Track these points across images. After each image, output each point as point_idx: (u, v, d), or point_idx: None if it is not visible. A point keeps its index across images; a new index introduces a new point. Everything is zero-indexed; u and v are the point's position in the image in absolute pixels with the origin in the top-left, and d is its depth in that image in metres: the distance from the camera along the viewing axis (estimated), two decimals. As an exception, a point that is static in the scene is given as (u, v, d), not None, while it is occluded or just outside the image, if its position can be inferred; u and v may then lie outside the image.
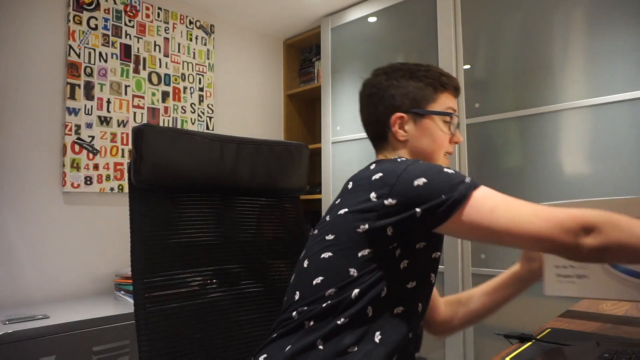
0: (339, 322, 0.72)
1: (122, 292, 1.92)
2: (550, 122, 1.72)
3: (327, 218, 0.82)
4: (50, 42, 1.96)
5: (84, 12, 2.05)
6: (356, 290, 0.73)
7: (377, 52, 2.33)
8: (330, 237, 0.80)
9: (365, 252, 0.76)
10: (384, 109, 0.90)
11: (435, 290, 1.02)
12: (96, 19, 2.08)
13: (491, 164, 1.88)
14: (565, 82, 1.70)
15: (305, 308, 0.76)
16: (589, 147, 1.63)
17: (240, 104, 2.73)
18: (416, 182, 0.73)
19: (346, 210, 0.79)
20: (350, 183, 0.83)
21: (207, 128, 2.50)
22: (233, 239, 1.02)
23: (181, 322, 0.88)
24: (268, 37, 2.94)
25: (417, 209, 0.71)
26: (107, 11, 2.12)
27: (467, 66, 1.98)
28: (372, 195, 0.76)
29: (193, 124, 2.44)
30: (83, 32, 2.04)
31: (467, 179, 0.73)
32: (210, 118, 2.52)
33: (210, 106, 2.53)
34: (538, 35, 1.78)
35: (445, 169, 0.75)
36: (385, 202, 0.74)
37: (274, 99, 2.95)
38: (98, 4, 2.09)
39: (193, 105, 2.45)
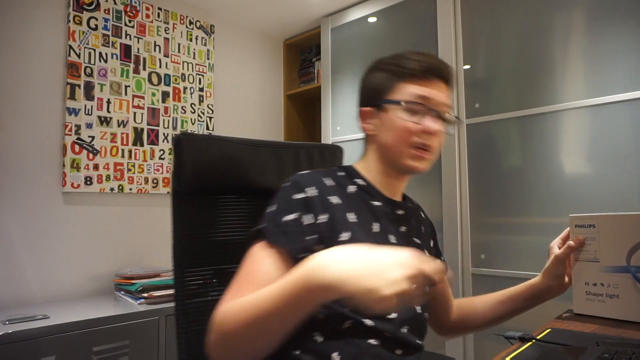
0: (296, 353, 0.71)
1: (122, 292, 1.92)
2: (550, 122, 1.72)
3: None
4: (50, 42, 1.96)
5: (84, 12, 2.05)
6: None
7: (377, 52, 2.32)
8: None
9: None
10: (358, 105, 0.90)
11: (449, 292, 1.00)
12: (96, 19, 2.08)
13: (491, 164, 1.88)
14: (565, 82, 1.70)
15: None
16: (589, 147, 1.63)
17: (240, 104, 2.73)
18: (269, 209, 0.77)
19: None
20: None
21: (207, 128, 2.50)
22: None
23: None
24: (268, 37, 2.94)
25: None
26: (107, 11, 2.12)
27: (467, 66, 1.98)
28: None
29: (193, 124, 2.44)
30: (83, 32, 2.04)
31: (267, 227, 0.74)
32: (210, 118, 2.52)
33: (210, 106, 2.53)
34: (538, 35, 1.78)
35: (273, 205, 0.76)
36: None
37: (274, 99, 2.95)
38: (98, 4, 2.09)
39: (193, 105, 2.45)
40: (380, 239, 0.80)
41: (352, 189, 0.83)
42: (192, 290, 0.89)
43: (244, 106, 2.75)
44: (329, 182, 0.81)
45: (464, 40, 1.99)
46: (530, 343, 0.74)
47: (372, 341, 0.73)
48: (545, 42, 1.76)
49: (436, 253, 0.99)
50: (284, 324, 0.62)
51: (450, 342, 1.92)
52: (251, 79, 2.82)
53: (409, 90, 0.81)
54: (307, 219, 0.74)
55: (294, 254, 0.71)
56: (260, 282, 0.68)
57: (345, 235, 0.75)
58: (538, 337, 0.76)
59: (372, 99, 0.85)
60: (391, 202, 0.86)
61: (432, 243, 0.98)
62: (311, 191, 0.77)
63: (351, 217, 0.79)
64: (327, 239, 0.74)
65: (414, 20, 2.18)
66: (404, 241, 0.84)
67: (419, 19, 2.16)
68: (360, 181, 0.86)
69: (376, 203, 0.84)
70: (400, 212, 0.87)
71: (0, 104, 1.81)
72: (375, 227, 0.81)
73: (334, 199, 0.79)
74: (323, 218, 0.75)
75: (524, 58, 1.81)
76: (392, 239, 0.83)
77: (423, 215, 0.99)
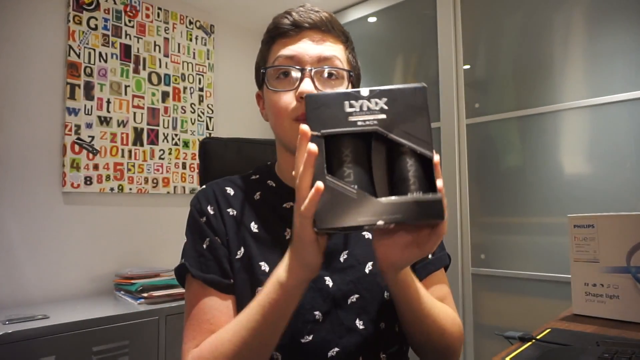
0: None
1: (122, 292, 1.92)
2: (550, 122, 1.72)
3: None
4: (50, 42, 1.96)
5: (84, 12, 2.05)
6: None
7: (377, 52, 2.33)
8: None
9: None
10: None
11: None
12: (96, 19, 2.08)
13: (491, 164, 1.88)
14: (565, 82, 1.70)
15: None
16: (589, 147, 1.63)
17: (240, 104, 2.73)
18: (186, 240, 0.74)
19: None
20: None
21: (207, 128, 2.50)
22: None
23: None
24: (268, 37, 2.94)
25: None
26: (107, 11, 2.12)
27: (467, 66, 1.98)
28: None
29: (193, 124, 2.44)
30: (83, 32, 2.04)
31: (182, 260, 0.71)
32: (210, 118, 2.52)
33: (210, 106, 2.53)
34: (538, 35, 1.78)
35: (196, 235, 0.72)
36: None
37: (274, 99, 2.94)
38: (98, 4, 2.09)
39: (193, 105, 2.44)
40: None
41: (257, 195, 0.76)
42: None
43: (244, 106, 2.74)
44: (232, 191, 0.75)
45: (464, 40, 1.99)
46: (530, 343, 0.74)
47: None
48: (545, 42, 1.76)
49: None
50: (279, 328, 0.61)
51: (450, 342, 1.92)
52: (251, 79, 2.79)
53: (277, 54, 0.71)
54: (217, 241, 0.71)
55: (224, 281, 0.69)
56: (211, 318, 0.67)
57: (239, 253, 0.71)
58: (538, 337, 0.76)
59: (256, 76, 0.76)
60: None
61: None
62: (210, 209, 0.73)
63: (253, 227, 0.73)
64: (231, 258, 0.71)
65: (414, 20, 2.18)
66: None
67: (419, 19, 2.16)
68: (271, 182, 0.78)
69: (288, 205, 0.75)
70: None
71: (0, 104, 1.81)
72: (288, 234, 0.73)
73: (232, 212, 0.73)
74: (225, 236, 0.72)
75: (524, 58, 1.81)
76: None
77: None
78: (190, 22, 2.47)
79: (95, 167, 2.03)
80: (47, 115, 1.93)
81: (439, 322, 0.68)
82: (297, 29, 0.70)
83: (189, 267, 0.69)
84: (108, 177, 2.07)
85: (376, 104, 0.51)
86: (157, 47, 2.31)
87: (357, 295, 0.71)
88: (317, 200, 0.48)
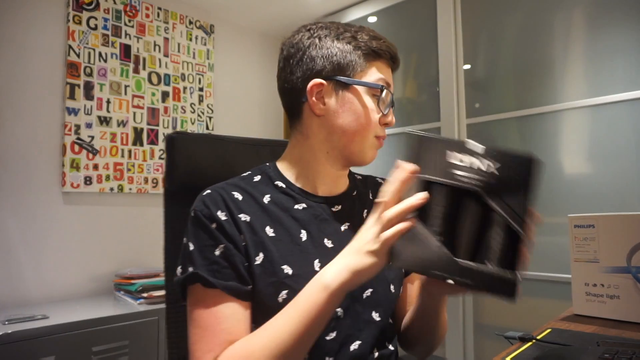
0: None
1: (121, 292, 1.92)
2: (550, 122, 1.72)
3: None
4: (50, 42, 1.96)
5: (84, 12, 2.04)
6: None
7: (377, 52, 2.32)
8: None
9: None
10: (302, 74, 0.74)
11: (405, 298, 0.86)
12: (96, 19, 2.08)
13: (491, 164, 1.88)
14: (565, 82, 1.70)
15: None
16: (589, 147, 1.63)
17: (240, 104, 2.73)
18: (184, 239, 0.70)
19: None
20: None
21: (207, 128, 2.50)
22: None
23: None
24: (268, 37, 2.94)
25: None
26: (106, 11, 2.12)
27: (467, 66, 1.98)
28: None
29: (193, 124, 2.43)
30: (83, 32, 2.03)
31: (190, 269, 0.66)
32: (210, 118, 2.52)
33: (210, 106, 2.53)
34: (538, 35, 1.78)
35: (206, 242, 0.67)
36: None
37: (274, 99, 2.94)
38: (98, 4, 2.09)
39: (193, 105, 2.44)
40: (311, 247, 0.72)
41: (267, 198, 0.74)
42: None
43: (243, 106, 2.74)
44: (239, 195, 0.72)
45: (464, 40, 1.99)
46: (530, 343, 0.74)
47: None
48: (545, 42, 1.76)
49: None
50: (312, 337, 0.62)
51: (450, 342, 1.92)
52: (251, 78, 2.81)
53: (379, 74, 0.74)
54: (232, 248, 0.68)
55: (244, 287, 0.67)
56: (229, 328, 0.64)
57: (258, 259, 0.69)
58: (538, 337, 0.76)
59: (335, 73, 0.73)
60: (323, 200, 0.77)
61: None
62: (222, 215, 0.69)
63: (269, 231, 0.71)
64: (249, 264, 0.68)
65: (414, 20, 2.18)
66: (346, 240, 0.63)
67: (419, 19, 2.16)
68: (279, 184, 0.76)
69: (300, 207, 0.75)
70: (336, 208, 0.77)
71: (0, 104, 1.81)
72: (304, 235, 0.72)
73: (244, 217, 0.70)
74: (241, 242, 0.69)
75: (524, 58, 1.81)
76: (328, 242, 0.74)
77: (371, 195, 0.85)
78: (190, 22, 2.47)
79: (95, 167, 2.03)
80: (47, 115, 1.93)
81: (445, 324, 0.78)
82: (394, 64, 0.79)
83: (203, 275, 0.65)
84: (108, 177, 2.07)
85: (488, 166, 0.51)
86: (157, 47, 2.30)
87: (371, 289, 0.74)
88: (402, 234, 0.53)
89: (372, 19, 2.37)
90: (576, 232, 0.93)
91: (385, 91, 0.74)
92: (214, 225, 0.68)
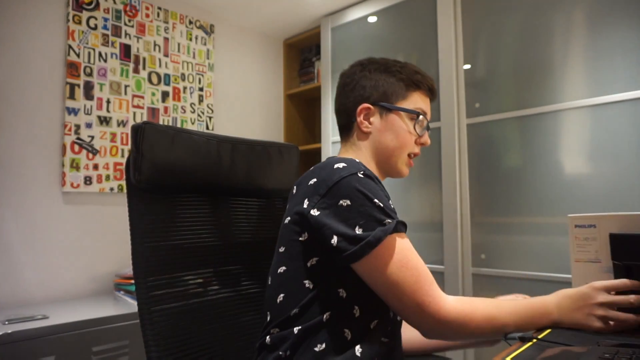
0: (316, 350, 0.70)
1: (121, 292, 1.92)
2: (550, 122, 1.72)
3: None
4: (50, 41, 1.96)
5: (84, 11, 2.04)
6: (325, 314, 0.71)
7: (377, 52, 2.33)
8: (282, 249, 0.78)
9: (314, 260, 0.73)
10: (353, 99, 0.91)
11: None
12: (96, 19, 2.08)
13: (491, 164, 1.88)
14: (565, 82, 1.70)
15: (277, 331, 0.74)
16: (589, 147, 1.63)
17: (240, 104, 2.73)
18: (341, 202, 0.70)
19: (288, 219, 0.77)
20: (295, 188, 0.80)
21: (207, 128, 2.50)
22: (231, 240, 1.01)
23: (184, 322, 0.88)
24: (268, 37, 2.94)
25: (334, 236, 0.69)
26: (106, 11, 2.12)
27: (467, 66, 1.98)
28: (305, 202, 0.73)
29: (193, 123, 2.43)
30: (82, 31, 2.03)
31: (389, 221, 0.70)
32: (210, 118, 2.52)
33: (210, 106, 2.53)
34: (538, 35, 1.78)
35: (375, 198, 0.70)
36: (312, 211, 0.71)
37: (274, 99, 2.95)
38: (97, 4, 2.09)
39: (193, 105, 2.44)
40: None
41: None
42: (157, 297, 0.85)
43: (243, 106, 2.75)
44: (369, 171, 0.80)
45: (464, 40, 1.99)
46: (530, 343, 0.74)
47: (384, 339, 0.77)
48: (545, 42, 1.76)
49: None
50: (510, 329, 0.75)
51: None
52: (251, 78, 2.81)
53: (417, 103, 0.90)
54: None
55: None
56: (426, 271, 0.73)
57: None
58: (538, 337, 0.76)
59: (381, 99, 0.89)
60: None
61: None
62: (378, 181, 0.77)
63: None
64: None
65: (414, 20, 2.18)
66: None
67: (419, 19, 2.16)
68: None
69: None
70: None
71: (-1, 103, 1.81)
72: None
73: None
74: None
75: (524, 58, 1.81)
76: None
77: None
78: (190, 22, 2.47)
79: (95, 166, 2.03)
80: (47, 115, 1.93)
81: None
82: (432, 95, 0.95)
83: (402, 222, 0.72)
84: (108, 177, 2.07)
85: None
86: (157, 47, 2.30)
87: None
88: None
89: (372, 19, 2.38)
90: (577, 232, 0.93)
91: (421, 116, 0.90)
92: (380, 185, 0.77)
